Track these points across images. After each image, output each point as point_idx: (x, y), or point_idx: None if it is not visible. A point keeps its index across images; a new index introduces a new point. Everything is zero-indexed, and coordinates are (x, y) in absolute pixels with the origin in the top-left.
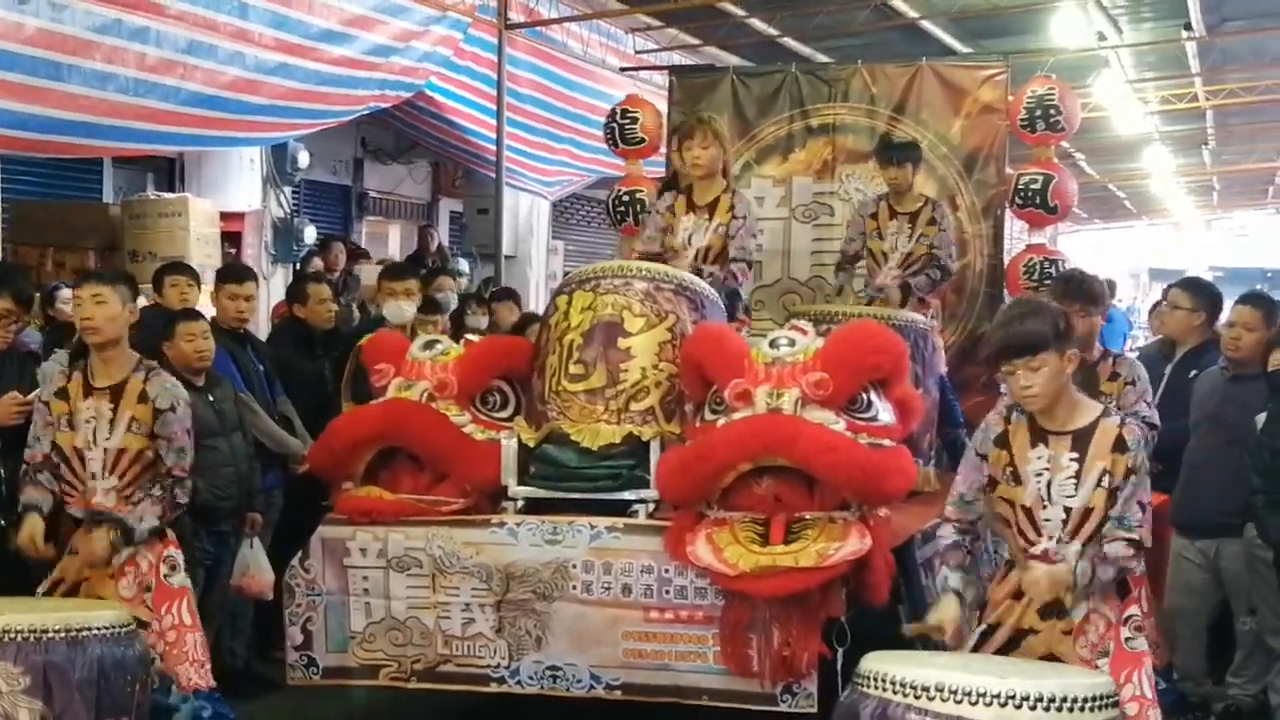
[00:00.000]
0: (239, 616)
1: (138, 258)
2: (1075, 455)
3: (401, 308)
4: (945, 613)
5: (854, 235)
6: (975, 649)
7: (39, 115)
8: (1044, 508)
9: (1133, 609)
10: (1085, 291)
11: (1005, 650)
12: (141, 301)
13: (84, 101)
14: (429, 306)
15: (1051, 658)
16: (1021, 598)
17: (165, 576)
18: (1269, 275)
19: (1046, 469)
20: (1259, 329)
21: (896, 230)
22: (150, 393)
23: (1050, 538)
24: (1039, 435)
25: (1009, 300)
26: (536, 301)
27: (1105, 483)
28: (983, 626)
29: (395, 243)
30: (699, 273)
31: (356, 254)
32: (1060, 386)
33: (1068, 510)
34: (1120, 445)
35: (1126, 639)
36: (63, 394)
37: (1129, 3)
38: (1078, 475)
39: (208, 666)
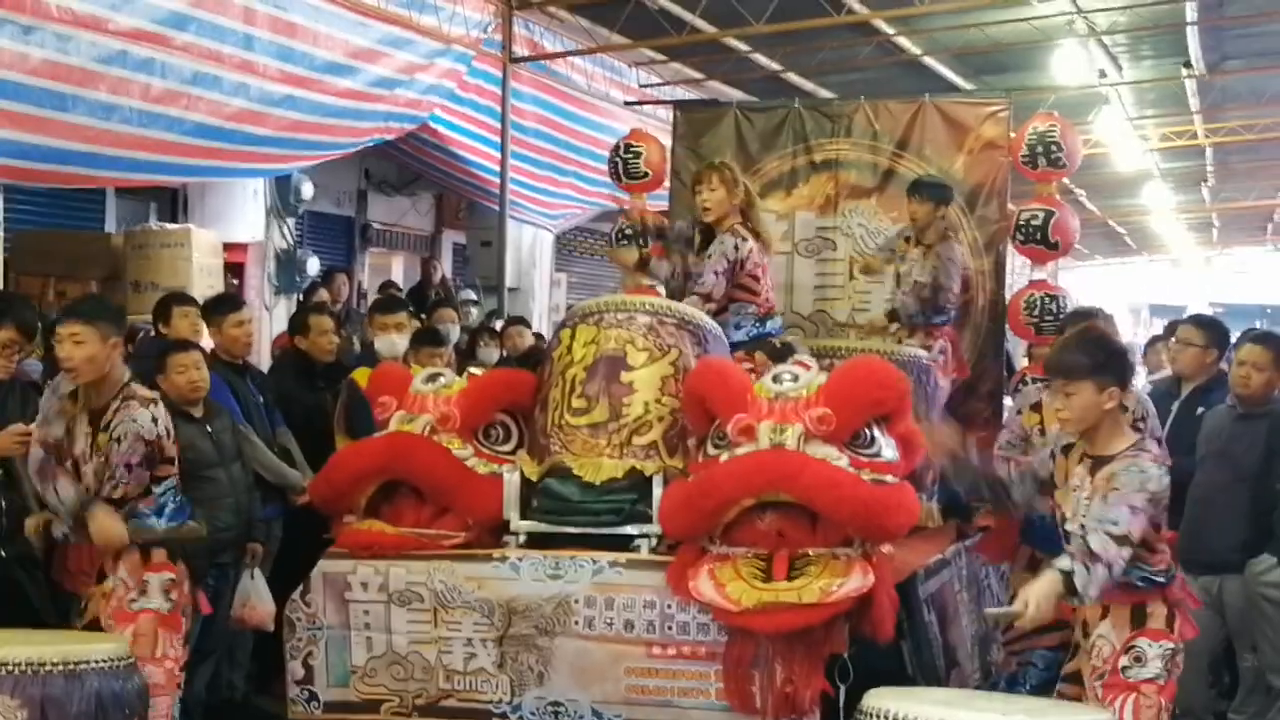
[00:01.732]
0: (237, 649)
1: (140, 288)
2: (1090, 479)
3: (393, 342)
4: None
5: (884, 247)
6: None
7: (43, 145)
8: (1071, 522)
9: (1141, 640)
10: (1098, 316)
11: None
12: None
13: (89, 132)
14: (432, 340)
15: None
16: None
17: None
18: (1269, 312)
19: (1078, 487)
20: (1269, 369)
21: (916, 259)
22: (112, 423)
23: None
24: (1082, 457)
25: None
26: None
27: None
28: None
29: (399, 274)
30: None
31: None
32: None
33: (1082, 527)
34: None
35: (1124, 667)
36: (73, 397)
37: (1129, 41)
38: (1090, 498)
39: None
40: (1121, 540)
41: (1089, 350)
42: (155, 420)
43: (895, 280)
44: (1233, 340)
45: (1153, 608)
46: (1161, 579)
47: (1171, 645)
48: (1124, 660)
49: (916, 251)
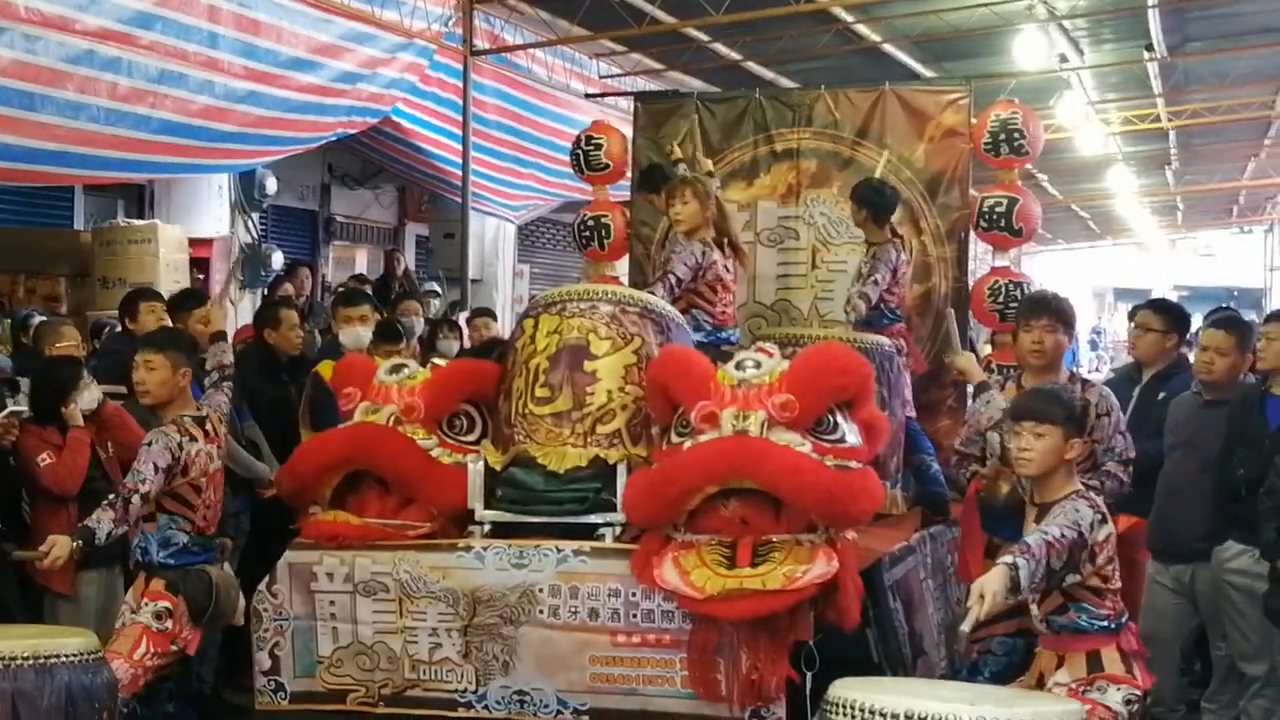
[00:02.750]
0: (205, 643)
1: (108, 284)
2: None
3: (358, 334)
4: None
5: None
6: None
7: (12, 145)
8: None
9: (1101, 680)
10: (1055, 308)
11: None
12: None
13: (57, 131)
14: (388, 337)
15: None
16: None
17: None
18: (1234, 294)
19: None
20: (1231, 353)
21: (861, 258)
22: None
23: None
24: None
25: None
26: (504, 325)
27: None
28: None
29: (362, 267)
30: None
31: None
32: (1056, 464)
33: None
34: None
35: (1084, 691)
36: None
37: (1090, 24)
38: None
39: None
40: (1051, 544)
41: (1061, 401)
42: (183, 446)
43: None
44: (1194, 324)
45: (1107, 654)
46: (1111, 625)
47: (1136, 691)
48: (1085, 688)
49: (865, 251)
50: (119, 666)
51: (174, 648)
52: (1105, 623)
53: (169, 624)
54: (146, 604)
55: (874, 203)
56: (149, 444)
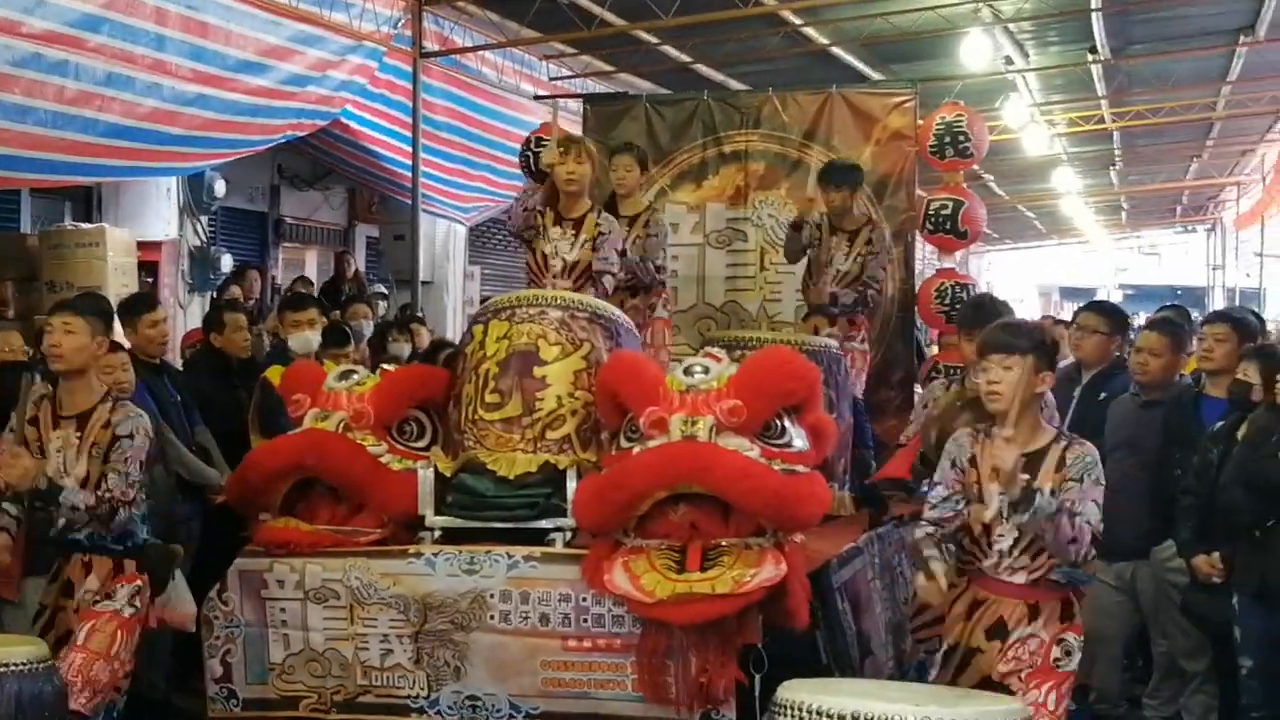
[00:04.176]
0: (157, 649)
1: (55, 288)
2: (1027, 476)
3: (307, 338)
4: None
5: (793, 241)
6: (942, 669)
7: None
8: (1000, 525)
9: (1069, 634)
10: (993, 316)
11: (960, 669)
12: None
13: (4, 135)
14: (336, 341)
15: (988, 681)
16: (971, 617)
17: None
18: (1179, 293)
19: (1004, 492)
20: (1165, 354)
21: (835, 246)
22: (114, 420)
23: (1000, 553)
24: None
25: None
26: (454, 327)
27: None
28: (944, 648)
29: (312, 269)
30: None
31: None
32: (1027, 398)
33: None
34: (1060, 464)
35: (1055, 659)
36: (34, 422)
37: (1035, 27)
38: (1031, 488)
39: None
40: (1074, 517)
41: (1028, 333)
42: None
43: (808, 270)
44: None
45: (1079, 604)
46: (1088, 583)
47: (1082, 639)
48: (1055, 652)
49: (835, 239)
50: (100, 668)
51: (139, 629)
52: (1086, 581)
53: (139, 604)
54: (122, 588)
55: (851, 177)
56: (130, 436)
